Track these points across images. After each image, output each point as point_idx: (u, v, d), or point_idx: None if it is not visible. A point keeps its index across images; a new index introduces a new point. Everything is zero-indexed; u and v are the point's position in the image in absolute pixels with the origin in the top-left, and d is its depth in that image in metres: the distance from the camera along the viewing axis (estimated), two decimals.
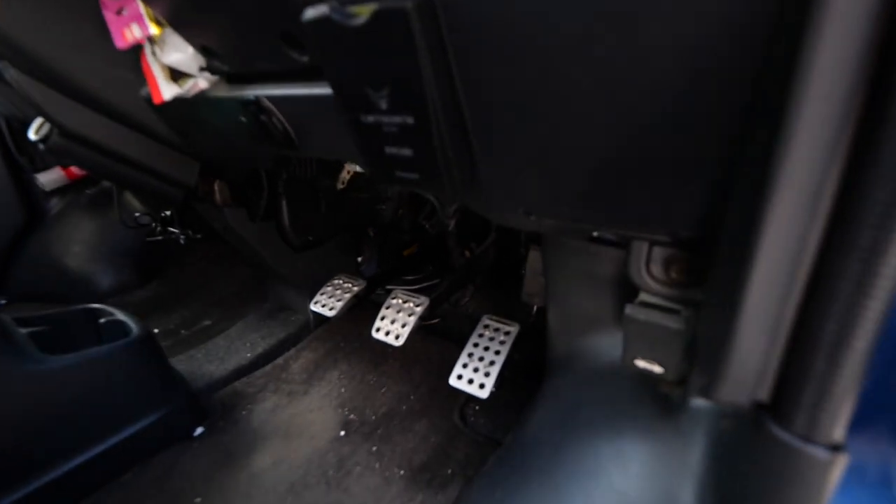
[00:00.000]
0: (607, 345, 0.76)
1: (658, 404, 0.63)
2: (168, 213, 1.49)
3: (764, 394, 0.40)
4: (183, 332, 1.59)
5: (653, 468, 0.57)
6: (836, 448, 0.35)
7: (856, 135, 0.27)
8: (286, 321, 1.56)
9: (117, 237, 1.92)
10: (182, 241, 1.45)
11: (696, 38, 0.31)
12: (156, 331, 1.59)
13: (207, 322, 1.65)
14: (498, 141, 0.48)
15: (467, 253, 1.44)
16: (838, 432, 0.35)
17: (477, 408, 1.17)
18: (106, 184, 1.96)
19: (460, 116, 0.48)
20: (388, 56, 0.43)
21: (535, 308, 1.31)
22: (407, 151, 0.52)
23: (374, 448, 1.08)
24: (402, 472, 1.01)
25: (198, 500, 0.94)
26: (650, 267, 0.57)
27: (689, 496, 0.53)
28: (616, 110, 0.38)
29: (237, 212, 1.28)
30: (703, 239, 0.46)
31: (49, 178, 1.83)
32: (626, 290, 0.72)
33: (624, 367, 0.68)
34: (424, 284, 1.61)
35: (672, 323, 0.54)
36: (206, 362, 1.37)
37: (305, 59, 0.59)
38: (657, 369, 0.59)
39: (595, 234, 0.69)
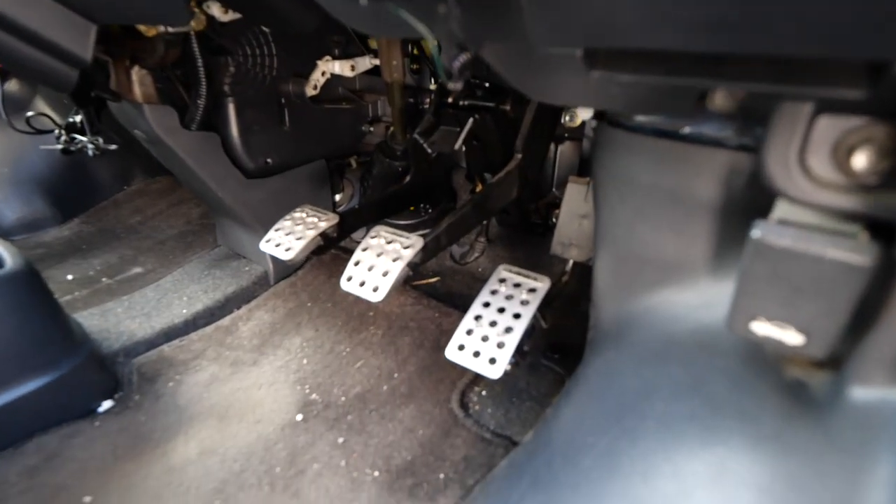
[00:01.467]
0: (692, 303, 0.58)
1: (782, 396, 0.45)
2: (77, 117, 1.29)
3: None
4: (104, 280, 1.44)
5: (786, 501, 0.40)
6: None
7: None
8: (237, 271, 1.39)
9: (23, 156, 1.74)
10: (91, 152, 1.26)
11: None
12: (69, 277, 1.43)
13: (138, 269, 1.49)
14: None
15: (479, 186, 1.24)
16: None
17: (484, 393, 1.01)
18: (12, 88, 1.76)
19: None
20: None
21: (569, 263, 1.12)
22: None
23: (341, 440, 0.92)
24: (375, 473, 0.86)
25: (87, 499, 0.79)
26: (807, 155, 0.38)
27: None
28: None
29: (165, 113, 1.08)
30: None
31: None
32: (736, 215, 0.53)
33: (725, 336, 0.50)
34: (419, 233, 1.42)
35: (847, 254, 0.35)
36: (126, 318, 1.21)
37: None
38: (792, 338, 0.41)
39: (698, 111, 0.49)
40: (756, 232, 0.39)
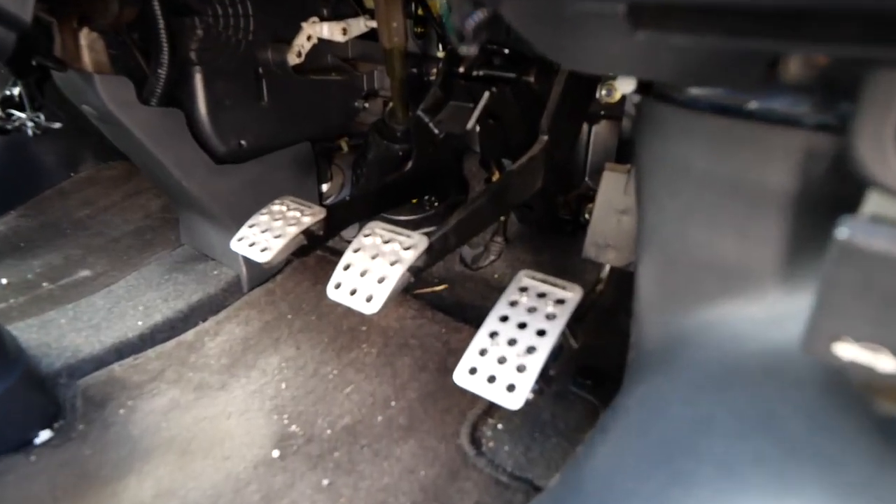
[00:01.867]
0: (759, 319, 0.56)
1: (876, 437, 0.44)
2: (16, 91, 1.30)
3: None
4: (46, 284, 1.45)
5: None
6: None
7: None
8: (204, 276, 1.40)
9: None
10: (31, 131, 1.27)
11: None
12: (3, 281, 1.44)
13: (85, 272, 1.50)
14: None
15: (496, 174, 1.23)
16: None
17: (500, 426, 1.00)
18: None
19: None
20: None
21: (605, 269, 1.11)
22: None
23: (326, 481, 0.92)
24: None
25: None
26: None
27: None
28: None
29: (119, 84, 1.09)
30: None
31: None
32: (815, 210, 0.51)
33: (801, 361, 0.48)
34: (424, 231, 1.41)
35: None
36: (71, 331, 1.22)
37: None
38: (888, 364, 0.40)
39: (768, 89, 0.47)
40: (843, 231, 0.38)
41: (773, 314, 0.55)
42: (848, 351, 0.42)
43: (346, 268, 0.89)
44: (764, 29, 0.38)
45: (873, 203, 0.40)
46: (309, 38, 1.30)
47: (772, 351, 0.54)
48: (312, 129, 1.44)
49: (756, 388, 0.52)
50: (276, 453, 0.98)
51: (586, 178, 1.29)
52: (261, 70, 1.28)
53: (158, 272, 1.44)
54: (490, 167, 1.29)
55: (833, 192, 0.50)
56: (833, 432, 0.45)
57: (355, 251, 0.90)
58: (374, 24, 1.25)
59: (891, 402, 0.46)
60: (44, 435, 0.99)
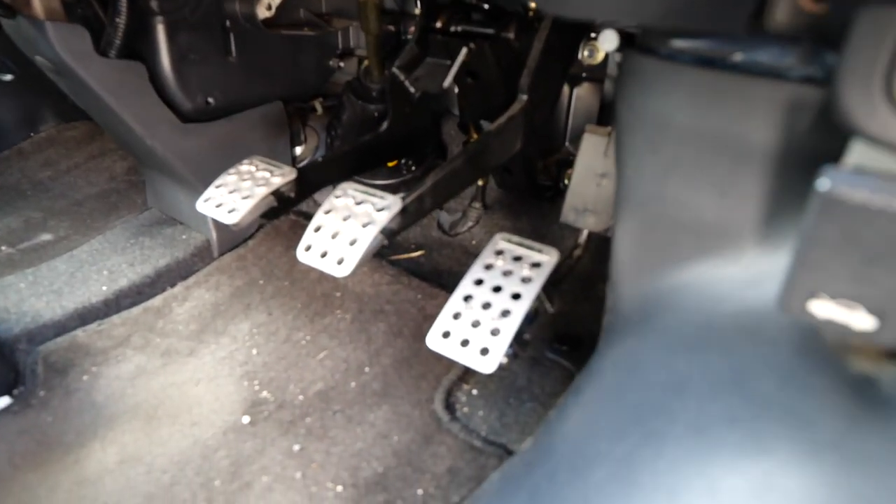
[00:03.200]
0: (736, 279, 0.56)
1: (846, 395, 0.43)
2: None
3: None
4: (4, 248, 1.40)
5: None
6: None
7: None
8: (172, 240, 1.36)
9: None
10: None
11: None
12: None
13: (47, 236, 1.45)
14: None
15: (475, 136, 1.21)
16: None
17: (474, 392, 1.00)
18: None
19: None
20: None
21: (583, 234, 1.10)
22: None
23: (297, 447, 0.91)
24: (339, 488, 0.85)
25: None
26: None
27: None
28: None
29: (73, 34, 1.03)
30: None
31: None
32: (797, 167, 0.50)
33: (776, 321, 0.48)
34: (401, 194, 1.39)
35: None
36: (31, 295, 1.18)
37: None
38: (861, 322, 0.39)
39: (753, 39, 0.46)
40: (824, 182, 0.37)
41: (750, 274, 0.55)
42: (824, 309, 0.41)
43: (317, 229, 0.86)
44: None
45: (857, 153, 0.39)
46: None
47: (747, 311, 0.53)
48: (284, 87, 1.39)
49: (730, 348, 0.52)
50: (246, 419, 0.96)
51: (567, 143, 1.27)
52: (228, 23, 1.23)
53: (124, 236, 1.39)
54: (469, 130, 1.26)
55: (816, 148, 0.49)
56: (805, 391, 0.45)
57: (326, 212, 0.88)
58: None
59: (864, 360, 0.46)
60: (2, 402, 0.97)
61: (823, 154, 0.43)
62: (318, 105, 1.51)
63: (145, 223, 1.44)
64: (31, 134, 1.91)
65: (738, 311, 0.54)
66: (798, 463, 0.41)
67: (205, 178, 1.28)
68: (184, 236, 1.38)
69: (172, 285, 1.28)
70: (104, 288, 1.22)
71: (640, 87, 0.62)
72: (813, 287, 0.41)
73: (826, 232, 0.38)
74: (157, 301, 1.23)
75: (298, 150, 1.51)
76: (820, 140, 0.49)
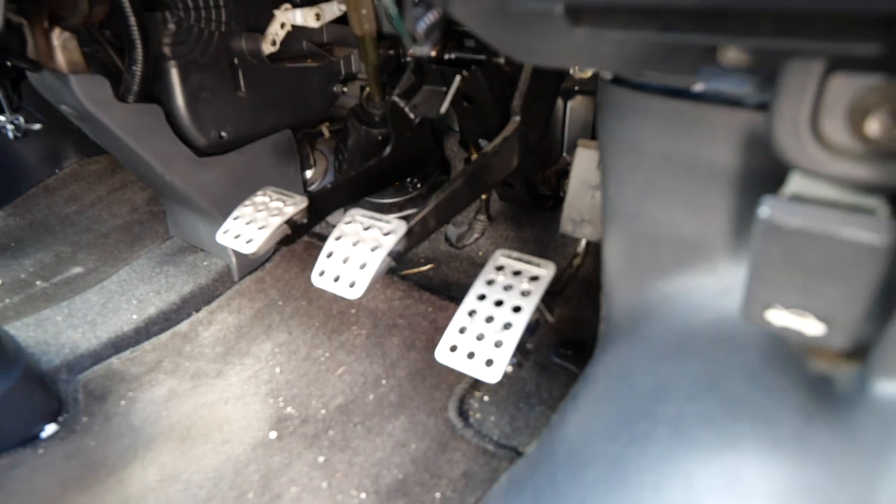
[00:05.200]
0: (712, 289, 0.61)
1: (805, 394, 0.48)
2: None
3: None
4: (39, 283, 1.48)
5: (790, 496, 0.43)
6: None
7: None
8: (194, 267, 1.43)
9: None
10: (11, 134, 1.29)
11: None
12: None
13: (77, 269, 1.54)
14: None
15: (474, 154, 1.26)
16: None
17: (486, 399, 1.05)
18: None
19: None
20: None
21: (581, 244, 1.15)
22: None
23: (322, 458, 0.97)
24: (362, 495, 0.91)
25: None
26: (821, 121, 0.40)
27: None
28: None
29: (95, 84, 1.10)
30: None
31: None
32: (758, 185, 0.55)
33: (746, 327, 0.53)
34: (406, 213, 1.45)
35: (863, 232, 0.37)
36: (67, 327, 1.26)
37: None
38: (812, 328, 0.44)
39: (700, 76, 0.51)
40: (765, 210, 0.42)
41: (724, 285, 0.59)
42: (779, 317, 0.46)
43: (329, 255, 0.92)
44: (690, 24, 0.42)
45: (795, 183, 0.44)
46: (283, 25, 1.32)
47: (722, 319, 0.58)
48: (292, 116, 1.46)
49: (707, 354, 0.57)
50: (273, 435, 1.03)
51: (564, 154, 1.32)
52: (236, 61, 1.30)
53: (149, 265, 1.47)
54: (469, 146, 1.32)
55: (773, 169, 0.54)
56: (771, 392, 0.50)
57: (337, 238, 0.94)
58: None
59: (821, 362, 0.50)
60: (49, 429, 1.04)
61: (781, 173, 0.48)
62: (324, 129, 1.58)
63: (168, 252, 1.52)
64: (56, 171, 2.01)
65: (715, 320, 0.59)
66: (761, 457, 0.46)
67: (222, 208, 1.36)
68: (205, 263, 1.45)
69: (197, 310, 1.35)
70: (134, 316, 1.30)
71: (616, 115, 0.67)
72: (768, 299, 0.46)
73: (771, 252, 0.43)
74: (183, 326, 1.30)
75: (309, 173, 1.58)
76: (776, 162, 0.53)
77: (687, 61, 0.50)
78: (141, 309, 1.32)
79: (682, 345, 0.60)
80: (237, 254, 1.41)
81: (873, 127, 0.37)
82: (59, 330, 1.26)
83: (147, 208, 1.78)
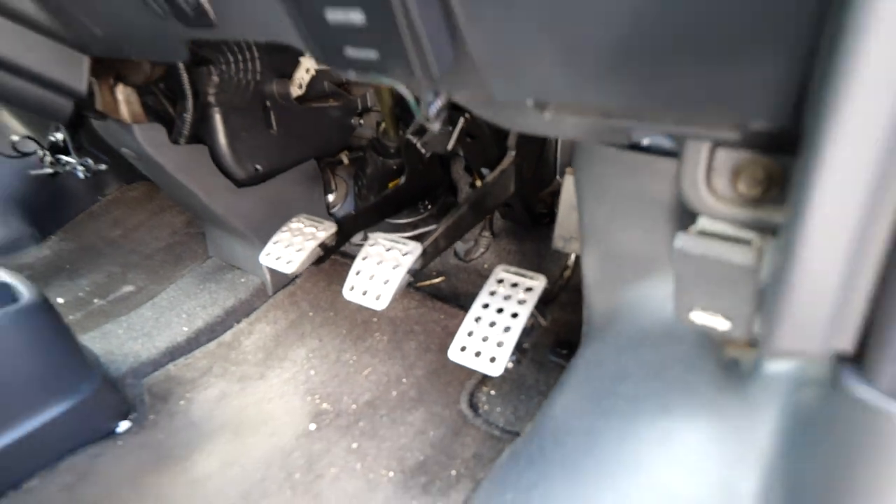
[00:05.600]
0: (662, 296, 0.78)
1: (721, 372, 0.65)
2: (59, 135, 1.51)
3: (846, 341, 0.41)
4: (97, 301, 1.67)
5: (708, 453, 0.60)
6: None
7: None
8: (234, 284, 1.62)
9: None
10: (81, 175, 1.48)
11: None
12: (59, 301, 1.66)
13: (129, 288, 1.72)
14: (493, 9, 0.48)
15: (477, 182, 1.44)
16: None
17: (492, 392, 1.22)
18: None
19: None
20: None
21: (571, 258, 1.33)
22: (357, 16, 0.52)
23: (355, 445, 1.14)
24: (390, 474, 1.08)
25: None
26: (712, 179, 0.57)
27: (751, 485, 0.56)
28: None
29: (153, 131, 1.30)
30: (786, 134, 0.46)
31: None
32: (689, 215, 0.72)
33: (679, 325, 0.70)
34: (420, 231, 1.63)
35: (740, 256, 0.55)
36: (128, 339, 1.44)
37: None
38: (721, 325, 0.61)
39: (638, 140, 0.68)
40: (678, 242, 0.59)
41: (671, 291, 0.76)
42: (699, 317, 0.63)
43: (357, 273, 1.10)
44: (620, 114, 0.59)
45: (701, 222, 0.61)
46: (308, 70, 1.50)
47: (668, 319, 0.75)
48: (316, 148, 1.64)
49: (657, 346, 0.74)
50: (312, 426, 1.20)
51: (557, 176, 1.49)
52: (268, 103, 1.49)
53: (193, 283, 1.66)
54: (473, 172, 1.50)
55: None
56: (697, 371, 0.67)
57: (363, 259, 1.12)
58: None
59: (734, 349, 0.67)
60: (123, 425, 1.22)
61: None
62: (344, 158, 1.76)
63: (209, 270, 1.71)
64: (99, 197, 2.21)
65: (663, 319, 0.76)
66: (686, 418, 0.63)
67: (258, 231, 1.55)
68: (242, 280, 1.64)
69: (238, 322, 1.54)
70: (185, 328, 1.48)
71: (587, 160, 0.84)
72: (689, 304, 0.63)
73: (686, 270, 0.60)
74: (227, 336, 1.49)
75: (331, 197, 1.76)
76: None
77: (623, 135, 0.68)
78: (190, 322, 1.50)
79: (640, 339, 0.77)
80: (271, 271, 1.59)
81: (742, 185, 0.55)
82: (122, 342, 1.44)
83: (185, 231, 1.98)
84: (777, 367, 0.59)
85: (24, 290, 1.12)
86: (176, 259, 1.83)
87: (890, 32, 0.30)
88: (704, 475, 0.60)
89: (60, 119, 1.15)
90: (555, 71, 0.53)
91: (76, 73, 1.08)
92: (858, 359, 0.41)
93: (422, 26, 0.50)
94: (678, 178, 0.60)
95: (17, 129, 1.93)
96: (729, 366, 0.65)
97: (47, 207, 2.06)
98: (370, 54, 0.55)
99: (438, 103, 0.68)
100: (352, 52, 0.55)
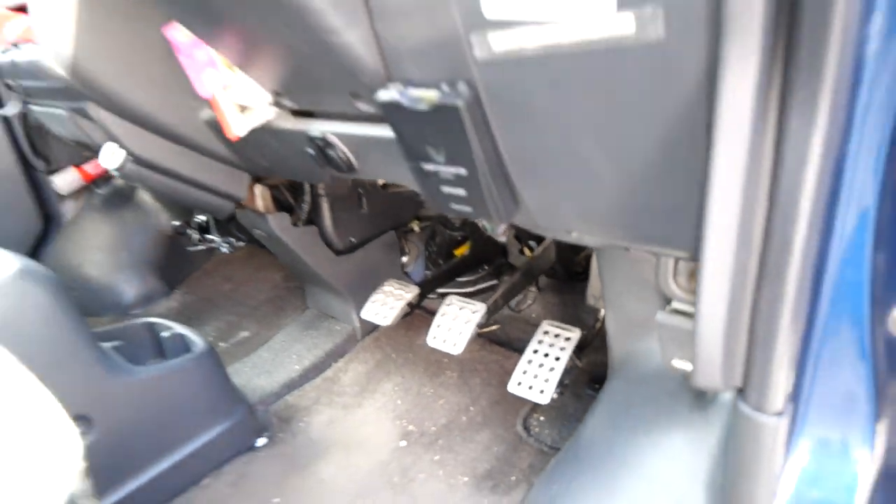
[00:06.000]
0: (657, 348, 1.12)
1: (694, 401, 0.99)
2: (202, 218, 1.97)
3: (737, 380, 0.75)
4: (222, 344, 2.09)
5: (683, 454, 0.94)
6: (778, 414, 0.70)
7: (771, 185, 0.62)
8: (330, 330, 2.02)
9: (137, 242, 2.47)
10: (226, 250, 1.93)
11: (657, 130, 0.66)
12: None
13: (245, 333, 2.15)
14: (537, 183, 0.85)
15: (526, 251, 1.81)
16: (778, 402, 0.70)
17: (542, 418, 1.56)
18: (118, 183, 2.50)
19: (502, 167, 0.85)
20: (445, 131, 0.81)
21: (601, 312, 1.67)
22: (461, 191, 0.90)
23: (437, 457, 1.50)
24: (465, 479, 1.43)
25: (276, 500, 1.41)
26: (677, 278, 0.92)
27: (709, 476, 0.89)
28: (612, 162, 0.74)
29: (280, 218, 1.72)
30: None
31: (65, 180, 2.39)
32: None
33: (666, 368, 1.04)
34: (479, 286, 2.00)
35: (690, 325, 0.89)
36: (254, 376, 1.85)
37: (371, 109, 0.98)
38: (689, 367, 0.95)
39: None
40: (658, 317, 0.94)
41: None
42: (678, 363, 0.97)
43: (438, 326, 1.48)
44: (621, 241, 0.95)
45: (674, 303, 0.95)
46: None
47: (661, 364, 1.09)
48: (394, 221, 2.05)
49: (655, 382, 1.07)
50: (403, 443, 1.57)
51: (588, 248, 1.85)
52: (361, 190, 1.90)
53: (297, 330, 2.07)
54: (521, 240, 1.87)
55: None
56: (678, 399, 1.00)
57: (442, 315, 1.50)
58: None
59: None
60: (261, 441, 1.61)
61: None
62: (415, 226, 2.16)
63: (308, 319, 2.12)
64: (211, 257, 2.68)
65: (658, 364, 1.10)
66: (669, 432, 0.96)
67: (349, 288, 1.95)
68: (337, 327, 2.03)
69: (336, 361, 1.93)
70: (296, 367, 1.88)
71: (606, 258, 1.19)
72: (671, 355, 0.97)
73: (665, 334, 0.94)
74: (329, 373, 1.88)
75: (405, 259, 2.16)
76: None
77: (620, 247, 1.04)
78: (300, 361, 1.90)
79: (644, 378, 1.11)
80: (361, 320, 1.99)
81: (695, 281, 0.90)
82: (249, 378, 1.85)
83: (284, 285, 2.40)
84: (724, 395, 0.93)
85: (197, 340, 1.54)
86: (279, 309, 2.26)
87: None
88: (681, 469, 0.93)
89: (222, 216, 1.59)
90: (576, 218, 0.89)
91: (239, 185, 1.52)
92: (743, 390, 0.75)
93: (499, 197, 0.87)
94: (656, 277, 0.95)
95: (153, 208, 2.41)
96: (699, 395, 0.99)
97: (173, 267, 2.53)
98: (466, 209, 0.93)
99: (503, 227, 1.06)
100: (455, 207, 0.93)
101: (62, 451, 0.73)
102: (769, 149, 0.56)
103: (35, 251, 2.46)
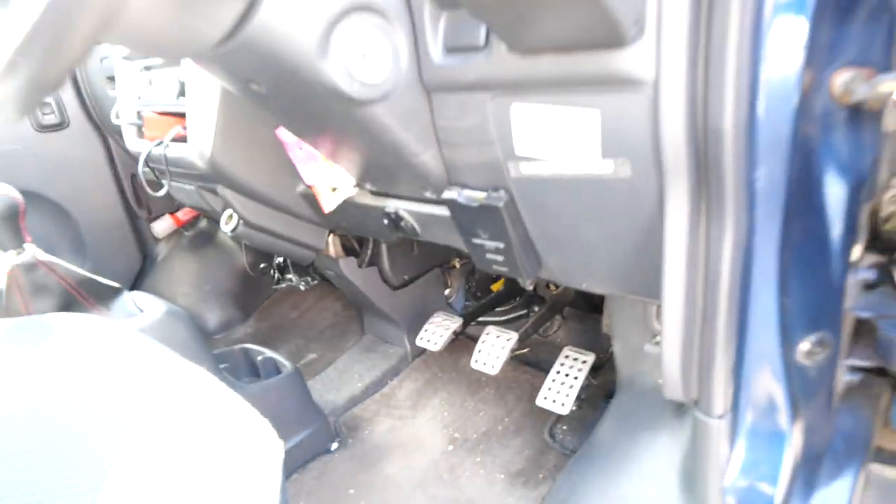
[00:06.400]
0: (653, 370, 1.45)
1: (676, 410, 1.32)
2: (280, 260, 2.37)
3: (693, 393, 1.08)
4: (289, 364, 2.47)
5: (666, 450, 1.26)
6: (720, 417, 1.03)
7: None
8: (386, 353, 2.38)
9: (218, 276, 2.89)
10: (303, 288, 2.32)
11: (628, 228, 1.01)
12: None
13: (312, 355, 2.53)
14: (555, 254, 1.21)
15: (552, 287, 2.15)
16: (721, 408, 1.03)
17: (564, 427, 1.89)
18: (202, 225, 2.93)
19: (530, 243, 1.21)
20: (490, 220, 1.17)
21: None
22: (499, 258, 1.26)
23: (478, 459, 1.84)
24: (502, 476, 1.76)
25: (351, 491, 1.76)
26: (659, 319, 1.26)
27: (684, 466, 1.21)
28: (605, 244, 1.09)
29: (348, 261, 2.10)
30: None
31: (162, 226, 2.83)
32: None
33: (658, 385, 1.37)
34: (513, 315, 2.34)
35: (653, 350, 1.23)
36: (325, 392, 2.22)
37: (435, 197, 1.35)
38: None
39: None
40: (646, 347, 1.27)
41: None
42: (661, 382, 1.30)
43: (479, 351, 1.83)
44: (619, 292, 1.30)
45: (657, 337, 1.28)
46: None
47: (653, 381, 1.41)
48: (440, 260, 2.42)
49: (650, 397, 1.40)
50: (450, 447, 1.91)
51: None
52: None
53: (357, 353, 2.44)
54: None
55: None
56: (665, 411, 1.32)
57: (483, 342, 1.85)
58: None
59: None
60: (334, 445, 1.98)
61: None
62: (456, 264, 2.53)
63: (367, 344, 2.48)
64: (276, 288, 3.08)
65: (652, 381, 1.42)
66: (657, 437, 1.28)
67: (402, 317, 2.31)
68: (391, 351, 2.39)
69: (391, 380, 2.28)
70: (359, 384, 2.24)
71: (611, 296, 1.53)
72: (658, 377, 1.30)
73: (651, 362, 1.27)
74: (386, 389, 2.24)
75: (447, 291, 2.52)
76: None
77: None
78: (361, 379, 2.27)
79: (642, 393, 1.44)
80: (412, 345, 2.35)
81: None
82: (320, 394, 2.22)
83: (343, 314, 2.78)
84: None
85: (285, 363, 1.92)
86: (341, 334, 2.63)
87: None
88: (665, 462, 1.25)
89: (305, 262, 1.98)
90: (583, 276, 1.24)
91: (320, 237, 1.91)
92: (697, 400, 1.07)
93: (528, 261, 1.23)
94: (644, 317, 1.29)
95: (232, 248, 2.83)
96: (679, 407, 1.31)
97: (248, 296, 2.94)
98: (503, 269, 1.28)
99: (531, 278, 1.41)
100: (495, 267, 1.29)
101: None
102: (702, 241, 0.90)
103: (135, 284, 2.89)
